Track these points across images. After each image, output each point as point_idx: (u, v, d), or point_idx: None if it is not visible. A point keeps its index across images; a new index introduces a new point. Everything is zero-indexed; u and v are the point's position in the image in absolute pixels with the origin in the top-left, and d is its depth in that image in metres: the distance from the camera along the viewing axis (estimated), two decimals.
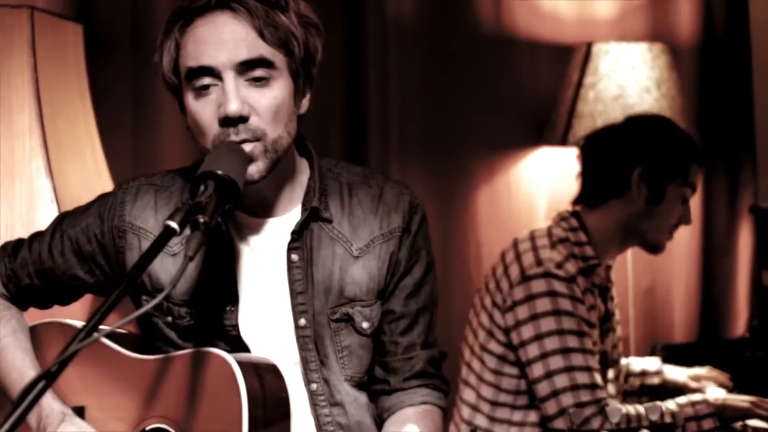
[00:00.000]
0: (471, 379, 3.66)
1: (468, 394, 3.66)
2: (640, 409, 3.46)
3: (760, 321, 4.52)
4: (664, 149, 3.62)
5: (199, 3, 2.34)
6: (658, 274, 5.14)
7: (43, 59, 3.48)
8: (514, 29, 4.93)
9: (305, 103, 2.46)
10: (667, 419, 3.38)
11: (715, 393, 3.80)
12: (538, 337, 3.43)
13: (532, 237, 3.60)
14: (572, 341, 3.40)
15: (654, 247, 3.74)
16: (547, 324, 3.42)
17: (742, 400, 3.59)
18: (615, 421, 2.06)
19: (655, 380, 4.06)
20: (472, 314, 3.72)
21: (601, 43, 4.72)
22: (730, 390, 3.93)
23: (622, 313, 4.67)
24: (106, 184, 3.61)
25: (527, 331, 3.45)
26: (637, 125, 3.75)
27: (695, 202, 5.03)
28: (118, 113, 4.13)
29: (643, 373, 4.07)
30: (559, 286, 3.44)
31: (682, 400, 3.49)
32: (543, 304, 3.44)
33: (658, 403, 3.57)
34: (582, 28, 4.97)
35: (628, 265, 4.84)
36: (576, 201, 3.71)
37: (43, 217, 3.29)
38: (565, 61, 4.82)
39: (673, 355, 4.22)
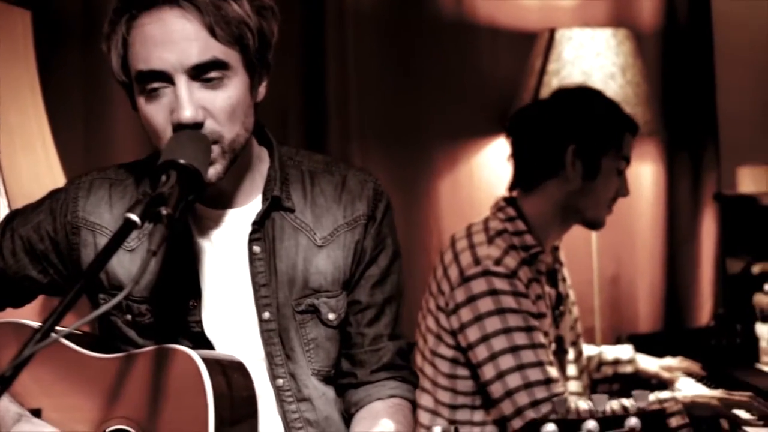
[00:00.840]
0: (426, 384, 3.59)
1: (425, 400, 3.60)
2: (625, 402, 3.42)
3: (724, 309, 4.50)
4: (595, 122, 3.55)
5: None
6: (623, 264, 5.12)
7: None
8: (475, 16, 4.88)
9: (262, 90, 2.37)
10: None
11: (686, 387, 3.79)
12: (485, 339, 3.36)
13: (469, 234, 3.52)
14: (520, 338, 3.33)
15: (594, 223, 3.67)
16: (492, 324, 3.35)
17: (710, 397, 3.56)
18: (600, 408, 2.00)
19: (628, 369, 4.04)
20: (420, 318, 3.65)
21: (564, 29, 4.68)
22: (702, 379, 3.92)
23: (586, 303, 4.69)
24: (58, 177, 3.55)
25: (473, 333, 3.38)
26: (565, 100, 3.66)
27: (659, 190, 5.05)
28: (69, 104, 4.06)
29: (616, 362, 4.05)
30: (500, 284, 3.36)
31: (650, 398, 3.41)
32: (485, 304, 3.36)
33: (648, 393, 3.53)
34: (544, 15, 4.93)
35: (593, 255, 4.82)
36: (511, 187, 3.63)
37: None
38: (527, 48, 4.79)
39: (639, 344, 4.19)
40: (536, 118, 3.64)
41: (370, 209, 2.45)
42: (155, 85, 2.22)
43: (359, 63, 4.68)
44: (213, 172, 2.24)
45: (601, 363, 4.04)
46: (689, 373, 3.99)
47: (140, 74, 2.22)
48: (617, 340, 4.46)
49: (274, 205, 2.40)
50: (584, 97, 3.67)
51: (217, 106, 2.23)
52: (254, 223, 2.38)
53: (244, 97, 2.28)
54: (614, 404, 3.35)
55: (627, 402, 3.37)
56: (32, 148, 3.58)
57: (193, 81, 2.21)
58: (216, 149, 2.24)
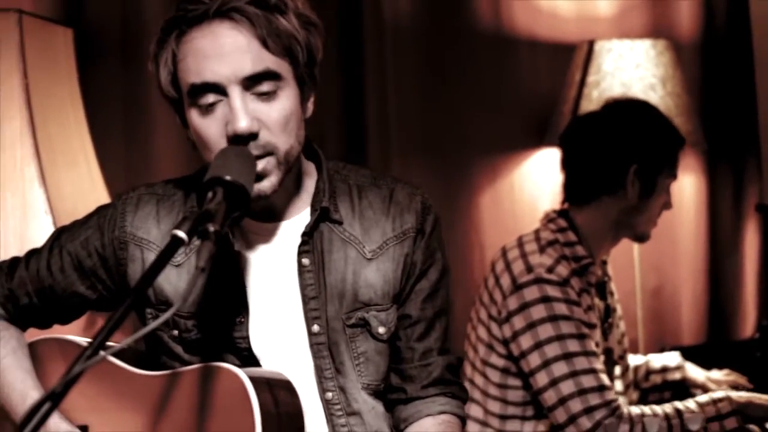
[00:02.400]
0: (476, 394, 3.60)
1: (475, 411, 3.60)
2: (668, 409, 3.40)
3: None
4: (656, 143, 3.57)
5: (197, 12, 2.24)
6: (665, 275, 5.12)
7: (33, 65, 3.44)
8: (514, 28, 4.89)
9: (310, 106, 2.39)
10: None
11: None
12: (538, 346, 3.37)
13: (521, 243, 3.54)
14: (573, 345, 3.34)
15: (643, 237, 3.69)
16: (545, 331, 3.36)
17: (766, 399, 3.53)
18: (695, 428, 2.00)
19: (677, 375, 4.01)
20: (470, 328, 3.66)
21: (603, 40, 4.68)
22: (749, 392, 3.88)
23: (629, 314, 4.65)
24: (101, 193, 3.57)
25: (526, 341, 3.39)
26: (623, 116, 3.65)
27: (701, 202, 5.06)
28: (111, 119, 4.08)
29: (664, 369, 4.03)
30: (553, 291, 3.37)
31: (703, 398, 3.43)
32: (538, 311, 3.37)
33: (695, 409, 3.53)
34: (582, 26, 4.94)
35: (635, 266, 4.81)
36: (563, 200, 3.64)
37: (37, 229, 3.27)
38: (565, 60, 4.79)
39: (683, 357, 4.14)
40: (595, 132, 3.63)
41: (419, 222, 2.46)
42: (209, 99, 2.24)
43: (398, 78, 4.69)
44: (268, 184, 2.26)
45: (649, 372, 4.03)
46: (736, 386, 3.92)
47: (193, 88, 2.24)
48: (661, 352, 4.41)
49: (323, 216, 2.40)
50: (644, 113, 3.67)
51: (272, 118, 2.24)
52: (304, 234, 2.38)
53: (296, 109, 2.30)
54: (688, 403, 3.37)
55: (689, 403, 3.39)
56: (75, 164, 3.61)
57: (246, 93, 2.23)
58: (271, 161, 2.25)
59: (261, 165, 2.23)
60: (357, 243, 2.42)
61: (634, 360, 4.04)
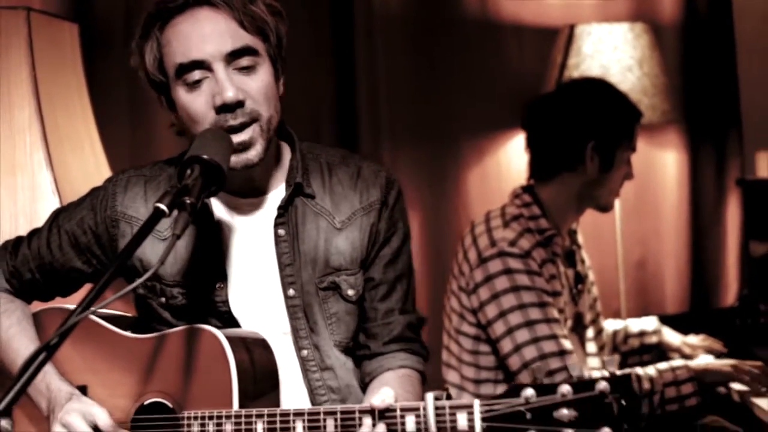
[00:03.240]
0: (452, 361, 3.77)
1: (452, 376, 3.77)
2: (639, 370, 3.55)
3: (749, 290, 4.52)
4: (613, 118, 3.69)
5: (178, 2, 2.47)
6: (649, 248, 5.22)
7: (41, 58, 3.58)
8: (500, 14, 5.01)
9: (281, 86, 2.60)
10: (646, 385, 3.48)
11: (701, 359, 3.89)
12: (502, 314, 3.53)
13: (487, 218, 3.70)
14: (534, 313, 3.50)
15: (606, 207, 3.81)
16: (508, 300, 3.52)
17: (723, 364, 3.68)
18: (576, 374, 2.16)
19: (654, 339, 4.16)
20: (445, 299, 3.82)
21: (583, 24, 4.79)
22: (723, 356, 4.00)
23: (613, 286, 4.79)
24: (105, 175, 3.59)
25: (491, 310, 3.55)
26: (580, 94, 3.77)
27: (683, 177, 5.12)
28: (116, 107, 4.24)
29: (642, 334, 4.17)
30: (514, 263, 3.53)
31: (662, 365, 3.58)
32: (501, 283, 3.54)
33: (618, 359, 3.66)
34: (567, 11, 5.04)
35: (618, 240, 4.94)
36: (529, 177, 3.78)
37: (46, 209, 3.38)
38: (550, 44, 4.90)
39: (666, 325, 4.29)
40: (552, 112, 3.77)
41: (383, 196, 2.68)
42: (195, 75, 2.47)
43: (388, 63, 4.82)
44: (254, 152, 2.49)
45: (627, 336, 4.17)
46: (710, 351, 4.10)
47: (181, 66, 2.47)
48: None
49: (296, 191, 2.62)
50: (596, 91, 3.78)
51: (254, 88, 2.48)
52: (279, 208, 2.60)
53: (272, 83, 2.54)
54: (638, 370, 3.51)
55: (649, 369, 3.54)
56: (81, 149, 3.75)
57: (229, 67, 2.47)
58: (256, 128, 2.48)
59: (247, 134, 2.47)
60: (328, 215, 2.64)
61: (613, 324, 4.19)
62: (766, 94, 5.13)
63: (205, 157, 2.33)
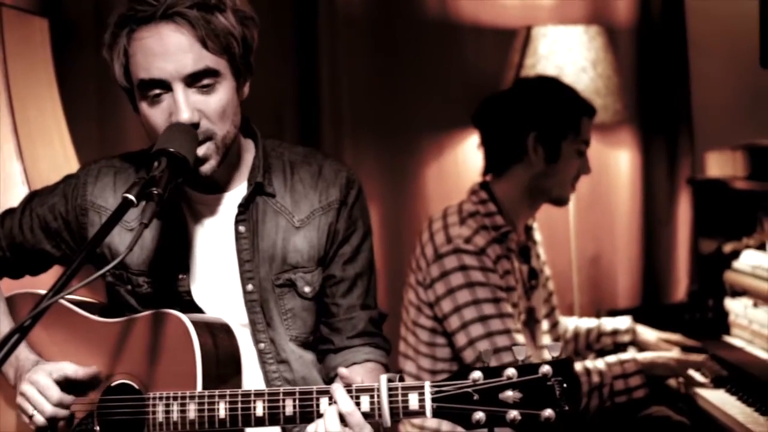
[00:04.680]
0: (409, 352, 3.85)
1: (409, 366, 3.85)
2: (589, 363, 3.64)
3: (698, 286, 4.58)
4: (552, 110, 3.78)
5: (145, 13, 2.52)
6: (602, 244, 5.30)
7: (12, 53, 3.63)
8: (459, 15, 5.08)
9: (246, 89, 2.66)
10: (595, 378, 3.58)
11: (649, 353, 3.95)
12: (457, 309, 3.62)
13: (444, 215, 3.78)
14: (488, 309, 3.59)
15: (560, 200, 3.89)
16: (463, 296, 3.61)
17: (668, 358, 3.79)
18: (520, 358, 2.26)
19: (626, 338, 4.22)
20: (404, 292, 3.91)
21: (540, 26, 4.87)
22: (697, 351, 4.02)
23: (566, 281, 4.86)
24: (74, 167, 3.72)
25: (446, 305, 3.65)
26: (523, 90, 3.89)
27: (636, 175, 5.18)
28: (85, 102, 4.29)
29: (615, 332, 4.23)
30: (469, 260, 3.62)
31: (611, 359, 3.68)
32: (456, 279, 3.63)
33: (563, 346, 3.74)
34: (525, 13, 5.11)
35: (571, 236, 5.04)
36: (483, 172, 3.88)
37: (15, 197, 3.42)
38: (507, 44, 4.97)
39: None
40: (498, 108, 3.87)
41: (342, 195, 2.75)
42: (156, 91, 2.53)
43: (350, 61, 4.88)
44: (209, 167, 2.56)
45: (600, 334, 4.23)
46: (685, 347, 4.11)
47: (142, 82, 2.53)
48: (596, 316, 4.61)
49: (257, 190, 2.70)
50: (542, 86, 3.89)
51: (211, 108, 2.54)
52: (240, 206, 2.69)
53: (232, 98, 2.59)
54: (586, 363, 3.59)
55: (599, 363, 3.62)
56: (50, 141, 3.81)
57: (188, 87, 2.52)
58: (211, 146, 2.55)
59: (202, 150, 2.54)
60: (287, 213, 2.72)
61: (586, 323, 4.27)
62: (717, 95, 5.20)
63: (171, 149, 2.42)
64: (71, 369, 2.56)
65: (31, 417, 2.55)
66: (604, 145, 5.15)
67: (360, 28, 4.92)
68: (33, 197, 2.84)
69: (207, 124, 2.54)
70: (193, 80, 2.52)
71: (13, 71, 3.63)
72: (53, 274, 2.88)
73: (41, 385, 2.55)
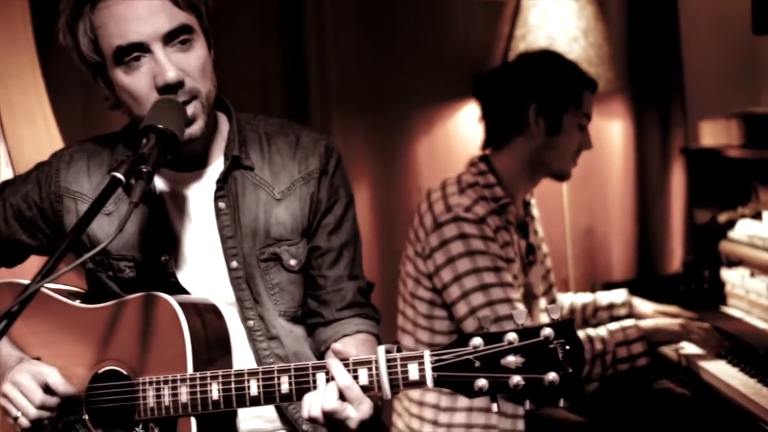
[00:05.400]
0: (407, 326, 3.82)
1: (407, 340, 3.82)
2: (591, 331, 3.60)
3: (693, 257, 4.59)
4: (554, 82, 3.77)
5: None
6: (596, 216, 5.29)
7: None
8: None
9: (212, 56, 2.61)
10: (597, 345, 3.55)
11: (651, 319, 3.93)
12: (457, 278, 3.59)
13: (443, 186, 3.75)
14: (489, 277, 3.56)
15: (561, 175, 3.89)
16: (463, 265, 3.59)
17: (672, 324, 3.77)
18: (520, 322, 2.23)
19: (622, 311, 4.19)
20: (400, 265, 3.88)
21: None
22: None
23: (560, 254, 4.84)
24: (59, 147, 3.56)
25: (446, 274, 3.62)
26: (525, 63, 3.87)
27: (628, 145, 5.16)
28: (68, 80, 4.19)
29: (611, 306, 4.22)
30: (469, 228, 3.59)
31: (613, 326, 3.65)
32: (456, 247, 3.60)
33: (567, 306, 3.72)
34: None
35: (565, 208, 5.02)
36: (484, 146, 3.85)
37: (0, 179, 3.34)
38: (497, 16, 4.95)
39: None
40: (500, 80, 3.85)
41: (322, 164, 2.71)
42: (135, 54, 2.47)
43: (338, 34, 4.82)
44: (197, 127, 2.51)
45: (597, 308, 4.21)
46: (682, 318, 4.06)
47: (119, 49, 2.48)
48: (591, 288, 4.62)
49: (234, 164, 2.65)
50: (543, 59, 3.88)
51: (192, 66, 2.50)
52: (218, 182, 2.64)
53: (207, 57, 2.56)
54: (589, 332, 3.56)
55: (601, 330, 3.59)
56: (33, 121, 3.75)
57: (167, 47, 2.48)
58: (197, 105, 2.50)
59: (190, 110, 2.49)
60: (267, 186, 2.67)
61: (582, 298, 4.25)
62: (709, 63, 5.17)
63: (160, 126, 2.37)
64: (53, 376, 2.52)
65: (15, 419, 2.52)
66: (597, 115, 5.03)
67: (347, 2, 4.87)
68: (5, 187, 2.80)
69: (191, 82, 2.50)
70: (170, 38, 2.48)
71: None
72: (32, 266, 2.84)
73: (24, 387, 2.51)
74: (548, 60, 3.88)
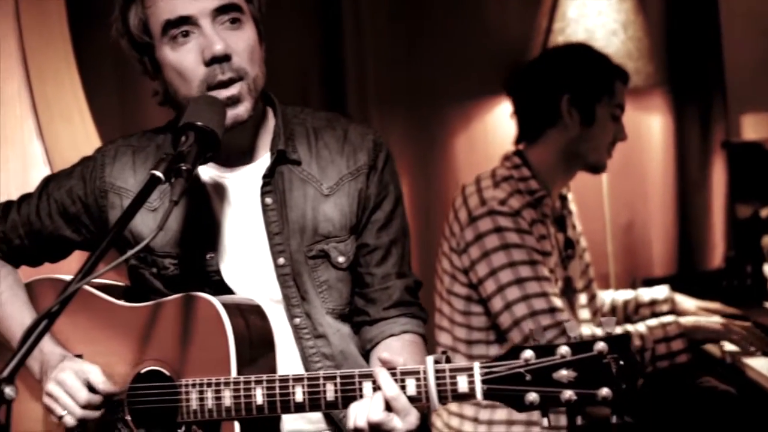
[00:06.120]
0: (444, 323, 3.79)
1: (444, 338, 3.78)
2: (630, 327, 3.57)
3: (735, 252, 4.56)
4: (585, 72, 3.74)
5: None
6: (636, 211, 5.25)
7: (29, 29, 3.59)
8: None
9: (264, 51, 2.59)
10: (637, 341, 3.51)
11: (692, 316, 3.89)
12: (493, 273, 3.55)
13: (477, 180, 3.73)
14: (525, 271, 3.52)
15: (596, 167, 3.84)
16: (499, 259, 3.55)
17: (713, 322, 3.71)
18: (573, 335, 2.18)
19: (664, 308, 4.14)
20: (437, 262, 3.84)
21: None
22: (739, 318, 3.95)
23: (600, 249, 4.80)
24: (95, 144, 3.70)
25: (482, 269, 3.58)
26: (557, 55, 3.87)
27: (669, 139, 5.13)
28: (104, 77, 4.24)
29: (653, 302, 4.17)
30: (504, 221, 3.56)
31: (653, 322, 3.61)
32: (491, 241, 3.56)
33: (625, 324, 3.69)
34: None
35: (605, 203, 4.99)
36: (517, 140, 3.83)
37: (37, 179, 3.25)
38: (535, 9, 4.93)
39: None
40: (531, 73, 3.83)
41: (371, 159, 2.66)
42: (183, 28, 2.46)
43: (375, 29, 4.82)
44: (243, 109, 2.49)
45: (638, 305, 4.17)
46: (725, 314, 4.03)
47: (168, 23, 2.47)
48: (632, 285, 4.60)
49: (280, 158, 2.62)
50: (574, 51, 3.87)
51: (240, 46, 2.49)
52: (264, 176, 2.60)
53: (257, 43, 2.54)
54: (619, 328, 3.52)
55: (640, 326, 3.55)
56: (70, 119, 3.76)
57: (216, 23, 2.47)
58: (243, 86, 2.48)
59: (235, 89, 2.47)
60: (315, 181, 2.63)
61: (623, 294, 4.20)
62: (750, 56, 5.12)
63: (199, 123, 2.35)
64: (95, 374, 2.49)
65: (60, 417, 2.49)
66: (637, 109, 5.09)
67: None
68: (49, 182, 2.77)
69: (238, 61, 2.48)
70: (219, 14, 2.48)
71: (30, 48, 3.59)
72: (72, 260, 2.83)
73: (69, 386, 2.48)
74: (579, 51, 3.86)
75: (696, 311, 4.07)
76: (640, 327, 3.58)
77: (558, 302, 3.52)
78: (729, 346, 3.75)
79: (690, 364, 3.62)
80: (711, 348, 3.85)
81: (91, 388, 2.48)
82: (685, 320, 3.67)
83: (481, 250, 3.58)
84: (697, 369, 3.82)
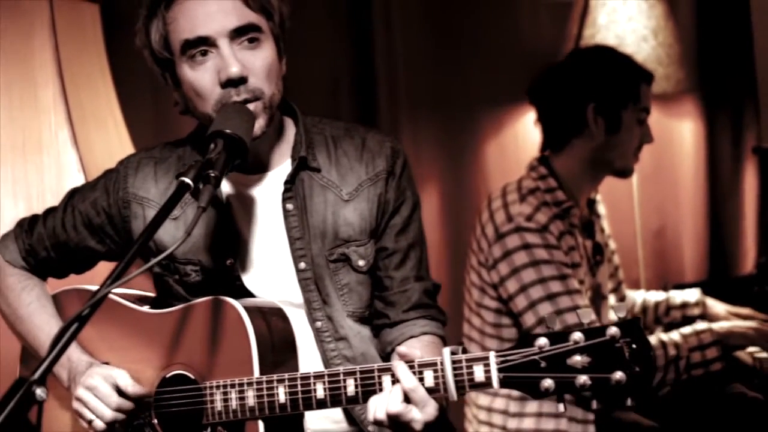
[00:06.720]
0: (473, 334, 3.80)
1: (473, 348, 3.78)
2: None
3: (767, 258, 4.50)
4: (610, 79, 3.70)
5: None
6: (667, 217, 5.25)
7: (64, 38, 3.65)
8: None
9: (283, 66, 2.65)
10: (671, 351, 3.50)
11: (725, 322, 3.87)
12: (523, 289, 3.55)
13: (504, 193, 3.71)
14: (555, 286, 3.52)
15: (623, 172, 3.81)
16: (528, 275, 3.54)
17: (747, 327, 3.70)
18: (586, 321, 2.22)
19: (696, 311, 4.13)
20: (465, 273, 3.85)
21: None
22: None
23: (631, 255, 4.80)
24: (129, 152, 3.61)
25: (512, 285, 3.58)
26: (578, 61, 3.81)
27: (700, 145, 5.13)
28: (138, 86, 4.26)
29: (684, 305, 4.15)
30: (532, 238, 3.55)
31: (686, 330, 3.59)
32: (520, 258, 3.56)
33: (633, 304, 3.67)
34: None
35: (635, 209, 4.98)
36: (542, 148, 3.81)
37: (71, 186, 3.30)
38: (566, 16, 4.94)
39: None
40: (554, 81, 3.80)
41: (389, 165, 2.72)
42: (202, 48, 2.52)
43: (406, 34, 4.83)
44: (258, 126, 2.53)
45: (669, 307, 4.16)
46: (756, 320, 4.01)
47: (186, 42, 2.53)
48: (663, 289, 4.52)
49: (302, 165, 2.67)
50: (597, 55, 3.82)
51: (258, 66, 2.54)
52: (286, 182, 2.65)
53: (275, 61, 2.59)
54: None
55: (674, 335, 3.54)
56: (105, 127, 3.81)
57: (234, 44, 2.52)
58: (259, 105, 2.53)
59: (251, 108, 2.51)
60: (335, 187, 2.69)
61: (654, 296, 4.19)
62: None
63: (228, 131, 2.40)
64: (123, 378, 2.55)
65: (90, 422, 2.55)
66: (668, 115, 5.09)
67: (415, 3, 4.87)
68: (73, 194, 2.84)
69: (255, 81, 2.53)
70: (237, 35, 2.53)
71: (65, 57, 3.64)
72: (96, 272, 2.88)
73: (99, 391, 2.54)
74: (601, 57, 3.81)
75: (727, 316, 4.06)
76: (674, 335, 3.57)
77: (591, 315, 3.51)
78: (761, 353, 3.73)
79: (721, 372, 3.62)
80: (741, 355, 3.83)
81: (120, 393, 2.54)
82: (718, 326, 3.65)
83: (510, 267, 3.58)
84: (727, 376, 3.78)
